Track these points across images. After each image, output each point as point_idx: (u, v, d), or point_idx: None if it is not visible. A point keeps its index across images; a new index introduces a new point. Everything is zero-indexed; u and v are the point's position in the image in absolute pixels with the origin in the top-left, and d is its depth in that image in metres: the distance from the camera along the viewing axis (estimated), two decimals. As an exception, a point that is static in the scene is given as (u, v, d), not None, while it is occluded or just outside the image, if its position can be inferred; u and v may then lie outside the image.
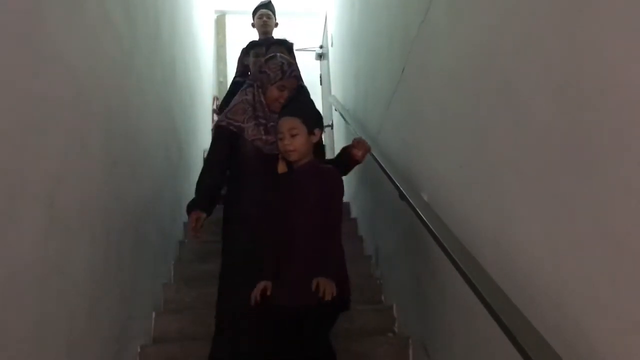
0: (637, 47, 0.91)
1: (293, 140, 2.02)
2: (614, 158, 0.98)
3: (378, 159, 2.61)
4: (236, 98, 2.38)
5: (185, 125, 3.86)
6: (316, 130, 2.10)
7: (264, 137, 2.24)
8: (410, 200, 2.04)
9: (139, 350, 2.33)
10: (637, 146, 0.92)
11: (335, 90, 4.87)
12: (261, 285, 1.93)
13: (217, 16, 6.65)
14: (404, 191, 2.17)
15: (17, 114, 1.26)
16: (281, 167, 2.15)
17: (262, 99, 2.30)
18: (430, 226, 1.79)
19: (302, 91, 2.34)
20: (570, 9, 1.11)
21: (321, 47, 5.98)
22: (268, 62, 2.36)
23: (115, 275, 2.00)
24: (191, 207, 2.18)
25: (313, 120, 2.12)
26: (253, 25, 4.20)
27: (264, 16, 4.12)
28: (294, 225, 1.97)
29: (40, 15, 1.40)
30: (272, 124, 2.25)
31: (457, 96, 1.78)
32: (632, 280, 0.94)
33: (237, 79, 3.78)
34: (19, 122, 1.27)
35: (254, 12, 4.20)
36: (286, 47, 3.54)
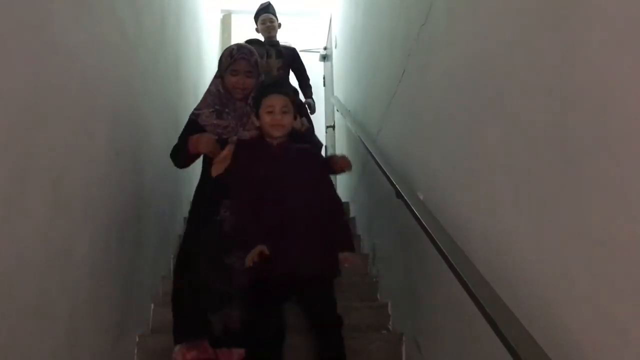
0: (621, 53, 0.95)
1: (284, 116, 2.13)
2: (594, 159, 1.02)
3: (376, 159, 2.65)
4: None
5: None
6: (297, 117, 2.25)
7: (214, 122, 2.32)
8: (406, 199, 2.09)
9: (137, 339, 2.37)
10: (615, 147, 0.96)
11: (338, 91, 4.92)
12: (258, 248, 1.93)
13: (223, 15, 6.71)
14: (400, 190, 2.21)
15: (25, 104, 1.30)
16: (215, 170, 2.21)
17: (221, 88, 2.37)
18: (424, 223, 1.84)
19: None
20: (560, 17, 1.15)
21: (325, 48, 6.03)
22: (224, 50, 2.45)
23: (115, 264, 2.05)
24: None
25: (296, 106, 2.26)
26: (257, 30, 4.26)
27: (267, 21, 4.18)
28: (295, 201, 2.04)
29: (47, 8, 1.44)
30: (226, 110, 2.35)
31: (453, 98, 1.82)
32: (607, 274, 0.98)
33: None
34: (27, 112, 1.31)
35: (256, 17, 4.25)
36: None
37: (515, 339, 1.17)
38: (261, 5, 4.28)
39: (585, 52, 1.06)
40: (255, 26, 4.27)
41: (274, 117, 2.12)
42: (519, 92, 1.33)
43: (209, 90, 2.42)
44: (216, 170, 2.20)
